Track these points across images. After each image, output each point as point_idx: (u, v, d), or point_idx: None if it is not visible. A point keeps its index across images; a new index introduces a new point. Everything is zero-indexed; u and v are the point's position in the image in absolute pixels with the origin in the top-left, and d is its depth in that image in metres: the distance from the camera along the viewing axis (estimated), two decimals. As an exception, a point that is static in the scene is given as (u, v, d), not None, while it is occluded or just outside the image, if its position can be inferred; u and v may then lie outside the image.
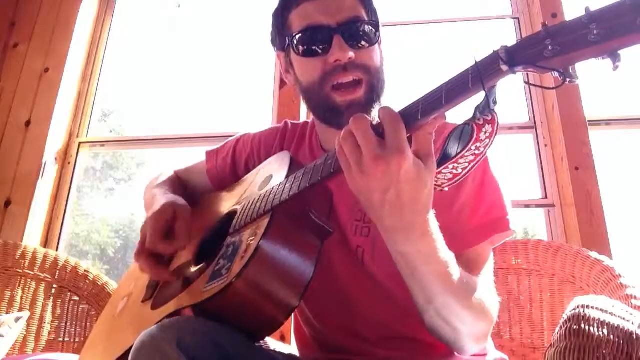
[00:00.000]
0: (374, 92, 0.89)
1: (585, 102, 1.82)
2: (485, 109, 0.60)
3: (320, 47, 0.89)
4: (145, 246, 0.86)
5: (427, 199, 0.63)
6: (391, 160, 0.59)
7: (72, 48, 2.19)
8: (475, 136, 0.61)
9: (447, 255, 0.70)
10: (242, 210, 0.86)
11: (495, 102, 0.60)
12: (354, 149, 0.61)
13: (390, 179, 0.60)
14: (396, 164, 0.59)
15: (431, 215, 0.66)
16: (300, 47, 0.91)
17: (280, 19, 0.95)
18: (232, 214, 0.89)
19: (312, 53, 0.90)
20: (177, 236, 0.88)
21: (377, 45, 0.92)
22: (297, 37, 0.91)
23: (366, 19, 0.91)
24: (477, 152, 0.63)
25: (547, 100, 1.93)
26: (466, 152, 0.62)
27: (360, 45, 0.89)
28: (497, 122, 0.60)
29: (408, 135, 0.61)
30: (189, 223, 0.91)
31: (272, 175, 0.90)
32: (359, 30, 0.89)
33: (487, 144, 0.62)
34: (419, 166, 0.61)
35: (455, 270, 0.71)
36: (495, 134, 0.61)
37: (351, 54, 0.87)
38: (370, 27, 0.90)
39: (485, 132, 0.61)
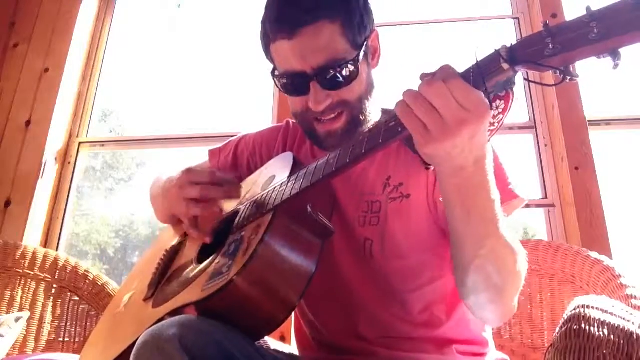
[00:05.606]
0: (354, 121, 0.89)
1: (585, 102, 1.82)
2: (506, 86, 0.63)
3: (299, 91, 0.88)
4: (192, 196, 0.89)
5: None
6: (476, 121, 0.60)
7: (72, 48, 2.19)
8: None
9: (497, 193, 0.71)
10: (244, 209, 0.87)
11: (513, 83, 0.63)
12: (430, 112, 0.60)
13: (475, 134, 0.61)
14: (482, 123, 0.60)
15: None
16: (282, 87, 0.91)
17: (263, 44, 0.93)
18: (235, 213, 0.90)
19: (293, 94, 0.90)
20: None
21: (357, 78, 0.87)
22: (278, 76, 0.91)
23: (344, 55, 0.85)
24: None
25: (547, 100, 1.93)
26: None
27: (338, 87, 0.86)
28: (512, 100, 0.63)
29: None
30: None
31: (275, 175, 0.91)
32: (335, 74, 0.84)
33: (501, 119, 0.65)
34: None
35: (501, 212, 0.72)
36: (508, 111, 0.64)
37: (328, 101, 0.86)
38: (349, 65, 0.85)
39: (497, 108, 0.64)
